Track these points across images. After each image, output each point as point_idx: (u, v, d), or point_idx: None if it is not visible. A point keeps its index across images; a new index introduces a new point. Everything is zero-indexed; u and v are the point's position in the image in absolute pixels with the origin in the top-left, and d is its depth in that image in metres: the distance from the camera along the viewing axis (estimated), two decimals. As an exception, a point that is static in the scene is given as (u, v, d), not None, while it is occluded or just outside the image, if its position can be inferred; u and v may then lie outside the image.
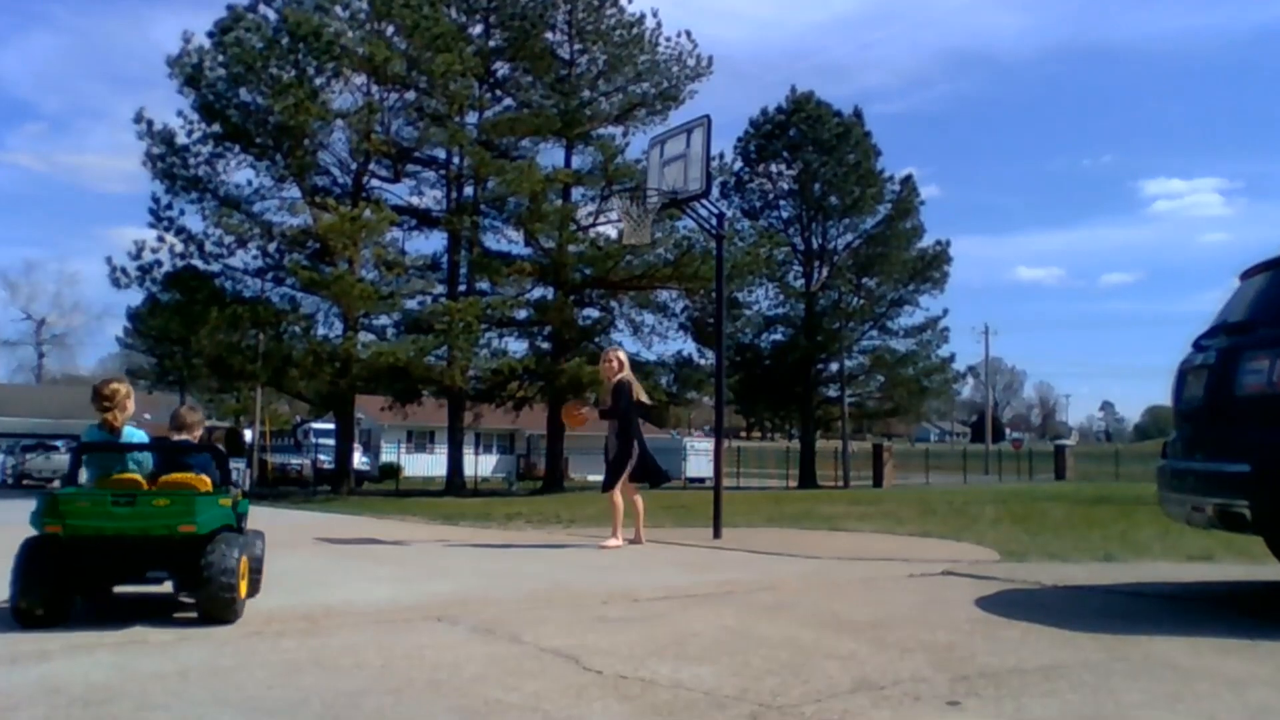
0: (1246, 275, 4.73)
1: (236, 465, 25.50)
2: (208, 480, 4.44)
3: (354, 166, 25.86)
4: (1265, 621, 4.36)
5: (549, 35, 28.15)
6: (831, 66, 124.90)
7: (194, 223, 24.60)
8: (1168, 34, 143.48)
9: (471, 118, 26.91)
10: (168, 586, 4.42)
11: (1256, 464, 3.99)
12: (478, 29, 28.16)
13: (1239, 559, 6.42)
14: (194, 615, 4.19)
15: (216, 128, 24.08)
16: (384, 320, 26.59)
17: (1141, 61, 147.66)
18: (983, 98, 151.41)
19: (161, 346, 29.89)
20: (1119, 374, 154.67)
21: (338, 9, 23.92)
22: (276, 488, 27.27)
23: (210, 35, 23.24)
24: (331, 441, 29.82)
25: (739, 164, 35.85)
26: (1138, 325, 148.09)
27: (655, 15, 28.12)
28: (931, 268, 36.16)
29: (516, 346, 29.13)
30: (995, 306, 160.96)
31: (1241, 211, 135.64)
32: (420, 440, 42.38)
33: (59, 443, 38.42)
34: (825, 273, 36.08)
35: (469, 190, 27.56)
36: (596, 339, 29.27)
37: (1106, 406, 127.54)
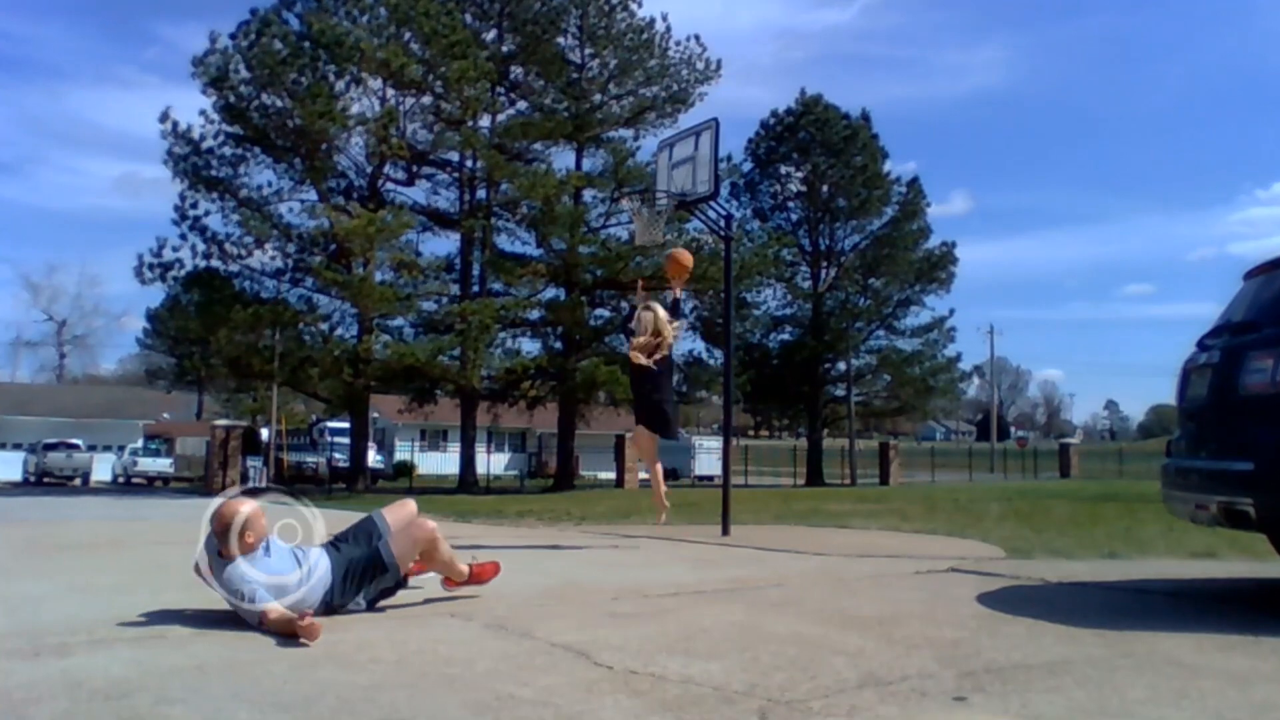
0: (1250, 275, 4.72)
1: (254, 463, 25.60)
2: None
3: (370, 169, 25.96)
4: (1269, 618, 4.36)
5: (561, 40, 28.20)
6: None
7: (214, 223, 24.81)
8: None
9: (485, 121, 27.00)
10: None
11: (1260, 462, 4.00)
12: (491, 34, 28.23)
13: (1243, 556, 6.43)
14: (209, 611, 4.23)
15: (238, 129, 24.19)
16: (398, 321, 26.75)
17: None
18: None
19: (181, 347, 30.07)
20: (1123, 372, 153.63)
21: (355, 13, 24.07)
22: (293, 485, 27.34)
23: (232, 38, 23.40)
24: (346, 440, 29.84)
25: (749, 165, 35.93)
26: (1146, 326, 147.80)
27: (665, 19, 28.23)
28: (937, 268, 36.05)
29: (530, 346, 29.35)
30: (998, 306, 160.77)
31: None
32: (433, 439, 42.42)
33: (79, 441, 38.84)
34: (833, 273, 36.07)
35: (482, 193, 27.64)
36: (608, 339, 29.40)
37: (1111, 405, 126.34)
